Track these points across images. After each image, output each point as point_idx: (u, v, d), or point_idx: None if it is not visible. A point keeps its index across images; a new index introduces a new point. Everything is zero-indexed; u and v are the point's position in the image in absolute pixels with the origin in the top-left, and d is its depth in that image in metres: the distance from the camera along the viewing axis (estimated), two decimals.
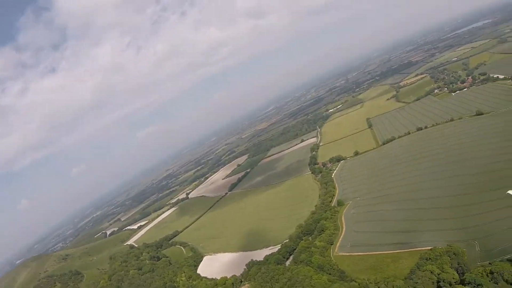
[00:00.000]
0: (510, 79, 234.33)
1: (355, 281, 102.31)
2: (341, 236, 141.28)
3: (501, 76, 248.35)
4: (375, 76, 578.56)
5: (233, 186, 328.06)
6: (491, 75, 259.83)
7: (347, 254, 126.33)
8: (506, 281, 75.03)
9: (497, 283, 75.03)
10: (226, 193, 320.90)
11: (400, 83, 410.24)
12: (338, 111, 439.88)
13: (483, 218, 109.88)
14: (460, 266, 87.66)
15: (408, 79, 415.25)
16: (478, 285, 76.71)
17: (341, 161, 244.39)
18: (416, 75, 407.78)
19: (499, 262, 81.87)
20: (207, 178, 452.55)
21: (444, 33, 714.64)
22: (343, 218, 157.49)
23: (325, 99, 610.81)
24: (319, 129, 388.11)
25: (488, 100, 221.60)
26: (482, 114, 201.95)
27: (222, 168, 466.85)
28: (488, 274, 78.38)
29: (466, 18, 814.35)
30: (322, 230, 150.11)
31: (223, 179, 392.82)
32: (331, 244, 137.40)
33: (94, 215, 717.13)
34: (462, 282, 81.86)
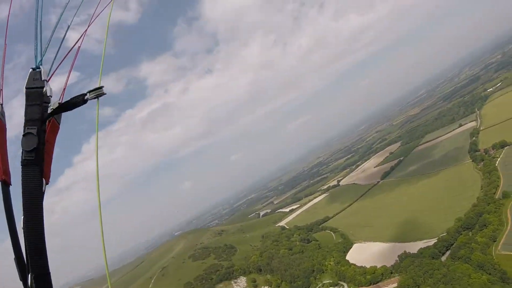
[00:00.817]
0: None
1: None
2: (506, 233, 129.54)
3: None
4: None
5: (385, 175, 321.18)
6: None
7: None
8: None
9: None
10: (378, 182, 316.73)
11: None
12: (498, 90, 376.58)
13: None
14: None
15: None
16: None
17: (506, 147, 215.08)
18: None
19: None
20: (358, 166, 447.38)
21: None
22: (508, 212, 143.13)
23: (482, 77, 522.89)
24: (478, 112, 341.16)
25: None
26: None
27: (373, 156, 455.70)
28: None
29: None
30: (484, 225, 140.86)
31: (374, 167, 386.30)
32: (494, 241, 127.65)
33: (249, 197, 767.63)
34: None
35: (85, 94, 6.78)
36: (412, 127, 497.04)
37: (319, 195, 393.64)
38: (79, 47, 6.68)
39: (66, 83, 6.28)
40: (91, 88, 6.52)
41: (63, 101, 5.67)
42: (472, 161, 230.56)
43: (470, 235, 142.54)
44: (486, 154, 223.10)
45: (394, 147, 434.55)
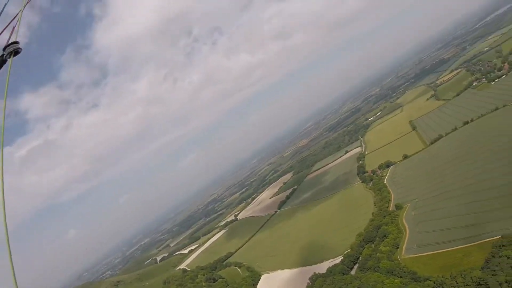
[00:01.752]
0: None
1: (430, 280, 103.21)
2: (406, 239, 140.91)
3: None
4: (410, 79, 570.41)
5: (282, 204, 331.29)
6: None
7: (415, 255, 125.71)
8: None
9: None
10: (276, 211, 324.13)
11: (437, 82, 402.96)
12: (378, 118, 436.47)
13: None
14: None
15: (443, 76, 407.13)
16: None
17: (391, 166, 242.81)
18: (451, 71, 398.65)
19: None
20: (254, 198, 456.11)
21: (471, 25, 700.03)
22: (404, 221, 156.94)
23: (363, 108, 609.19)
24: (362, 139, 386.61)
25: None
26: None
27: (268, 188, 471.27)
28: None
29: (486, 8, 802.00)
30: (385, 236, 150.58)
31: (270, 198, 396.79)
32: (397, 248, 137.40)
33: (142, 243, 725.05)
34: None
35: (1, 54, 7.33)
36: (302, 157, 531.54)
37: (218, 232, 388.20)
38: None
39: None
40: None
41: None
42: (362, 182, 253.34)
43: (373, 246, 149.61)
44: (374, 174, 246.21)
45: (287, 177, 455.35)
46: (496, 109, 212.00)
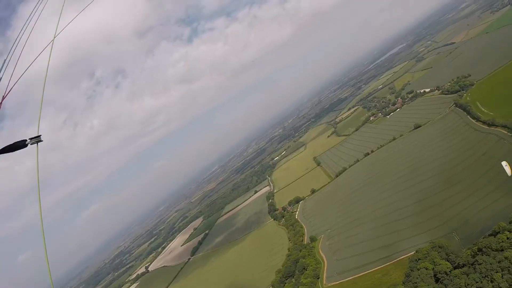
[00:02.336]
0: (436, 89, 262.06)
1: None
2: (325, 268, 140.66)
3: (427, 90, 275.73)
4: (311, 119, 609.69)
5: (195, 250, 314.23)
6: (418, 91, 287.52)
7: (337, 282, 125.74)
8: (496, 250, 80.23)
9: (488, 255, 79.32)
10: (189, 259, 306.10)
11: (336, 120, 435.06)
12: (283, 157, 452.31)
13: (453, 211, 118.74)
14: (449, 256, 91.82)
15: (342, 114, 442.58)
16: (472, 264, 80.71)
17: (301, 202, 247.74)
18: (349, 109, 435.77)
19: (483, 239, 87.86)
20: (164, 247, 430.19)
21: (365, 66, 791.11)
22: (320, 251, 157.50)
23: (268, 149, 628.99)
24: (269, 178, 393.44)
25: (422, 113, 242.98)
26: (420, 126, 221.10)
27: (178, 235, 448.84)
28: (477, 253, 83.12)
29: (381, 48, 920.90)
30: (304, 268, 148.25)
31: (181, 245, 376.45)
32: (318, 278, 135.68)
33: None
34: (455, 268, 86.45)
35: (25, 140, 10.55)
36: (211, 200, 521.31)
37: (129, 286, 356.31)
38: None
39: None
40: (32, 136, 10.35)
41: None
42: (274, 219, 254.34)
43: (294, 281, 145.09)
44: (284, 211, 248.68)
45: (197, 222, 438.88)
46: (394, 139, 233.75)
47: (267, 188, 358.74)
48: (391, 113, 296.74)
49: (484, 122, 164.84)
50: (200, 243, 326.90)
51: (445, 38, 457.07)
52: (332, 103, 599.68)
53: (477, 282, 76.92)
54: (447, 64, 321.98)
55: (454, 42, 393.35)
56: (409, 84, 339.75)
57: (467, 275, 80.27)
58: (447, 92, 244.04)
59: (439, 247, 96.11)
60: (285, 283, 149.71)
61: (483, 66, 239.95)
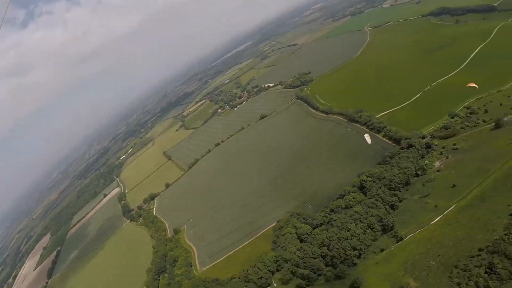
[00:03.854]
0: (279, 84, 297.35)
1: (234, 278, 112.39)
2: (196, 255, 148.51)
3: (271, 85, 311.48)
4: (157, 113, 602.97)
5: (50, 272, 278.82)
6: (263, 86, 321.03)
7: (211, 265, 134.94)
8: (346, 208, 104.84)
9: (340, 213, 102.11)
10: (47, 282, 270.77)
11: (183, 113, 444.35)
12: (131, 155, 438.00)
13: (304, 185, 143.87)
14: (307, 220, 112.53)
15: (189, 108, 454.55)
16: (328, 221, 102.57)
17: (156, 198, 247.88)
18: (196, 103, 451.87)
19: (333, 202, 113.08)
20: (15, 276, 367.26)
21: (212, 61, 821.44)
22: (187, 240, 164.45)
23: (112, 148, 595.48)
24: (118, 178, 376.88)
25: (267, 105, 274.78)
26: (266, 116, 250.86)
27: (27, 259, 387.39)
28: (330, 213, 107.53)
29: (228, 45, 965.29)
30: (175, 260, 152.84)
31: (34, 269, 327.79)
32: (191, 266, 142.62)
33: None
34: (315, 228, 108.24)
35: None
36: (56, 213, 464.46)
37: None
38: None
39: None
40: None
41: None
42: (131, 220, 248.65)
43: (167, 275, 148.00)
44: (141, 209, 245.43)
45: (45, 241, 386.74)
46: (242, 129, 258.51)
47: (117, 189, 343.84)
48: (238, 106, 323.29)
49: (323, 111, 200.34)
50: (54, 262, 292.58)
51: (289, 39, 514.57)
52: (178, 97, 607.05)
53: (336, 234, 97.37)
54: (290, 63, 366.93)
55: (297, 44, 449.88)
56: (255, 79, 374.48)
57: (327, 231, 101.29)
58: (289, 87, 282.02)
59: (297, 214, 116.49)
60: (159, 279, 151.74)
61: (322, 65, 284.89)
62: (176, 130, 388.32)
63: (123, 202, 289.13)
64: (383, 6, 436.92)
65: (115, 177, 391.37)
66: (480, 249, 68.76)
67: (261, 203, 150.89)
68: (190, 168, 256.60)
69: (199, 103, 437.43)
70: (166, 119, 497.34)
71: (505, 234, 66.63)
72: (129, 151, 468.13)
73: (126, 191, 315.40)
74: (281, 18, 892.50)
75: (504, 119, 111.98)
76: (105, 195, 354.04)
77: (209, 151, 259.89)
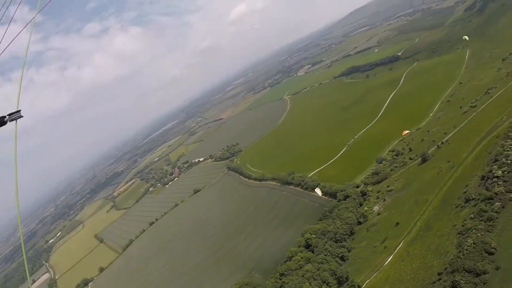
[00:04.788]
0: (209, 158, 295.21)
1: None
2: None
3: (201, 159, 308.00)
4: (86, 195, 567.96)
5: None
6: (193, 161, 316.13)
7: None
8: (296, 269, 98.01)
9: (292, 275, 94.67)
10: None
11: (114, 194, 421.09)
12: (60, 239, 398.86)
13: (247, 254, 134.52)
14: None
15: (120, 188, 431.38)
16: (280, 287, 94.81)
17: (90, 283, 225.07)
18: (127, 182, 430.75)
19: (281, 266, 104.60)
20: None
21: (139, 141, 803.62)
22: None
23: (40, 231, 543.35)
24: (47, 263, 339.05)
25: (199, 179, 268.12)
26: (199, 190, 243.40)
27: None
28: (280, 277, 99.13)
29: (154, 124, 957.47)
30: None
31: None
32: None
33: None
34: None
35: (4, 117, 9.17)
36: None
37: None
38: None
39: None
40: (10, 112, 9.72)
41: None
42: None
43: None
44: None
45: None
46: (176, 205, 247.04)
47: (47, 275, 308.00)
48: (170, 183, 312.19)
49: (255, 179, 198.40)
50: None
51: (214, 114, 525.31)
52: (108, 178, 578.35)
53: None
54: (217, 136, 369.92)
55: (222, 118, 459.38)
56: (184, 155, 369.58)
57: None
58: (219, 159, 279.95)
59: (246, 284, 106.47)
60: None
61: (248, 136, 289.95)
62: (107, 211, 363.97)
63: None
64: (298, 74, 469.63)
65: (44, 262, 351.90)
66: (439, 273, 66.62)
67: (204, 278, 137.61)
68: (124, 249, 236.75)
69: (130, 183, 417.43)
70: (96, 200, 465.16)
71: (459, 252, 65.69)
72: (58, 234, 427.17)
73: (57, 277, 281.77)
74: (205, 96, 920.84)
75: (429, 152, 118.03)
76: (34, 281, 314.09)
77: (144, 230, 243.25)
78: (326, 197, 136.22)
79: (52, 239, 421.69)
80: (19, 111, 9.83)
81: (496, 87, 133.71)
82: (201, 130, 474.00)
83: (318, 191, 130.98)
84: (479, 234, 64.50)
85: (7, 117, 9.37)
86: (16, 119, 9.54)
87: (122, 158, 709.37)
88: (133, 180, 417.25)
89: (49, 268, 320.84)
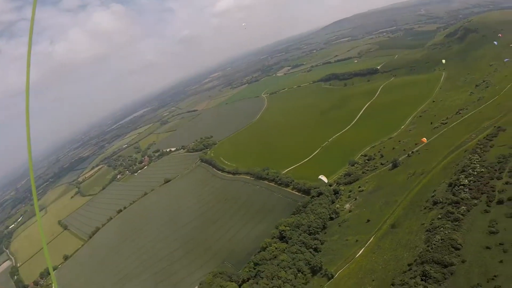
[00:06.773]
0: (181, 148, 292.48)
1: None
2: None
3: (173, 149, 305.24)
4: (49, 179, 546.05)
5: None
6: (164, 150, 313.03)
7: None
8: (271, 259, 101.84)
9: (267, 264, 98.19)
10: None
11: (79, 179, 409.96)
12: (21, 224, 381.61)
13: (219, 245, 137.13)
14: (232, 278, 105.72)
15: (85, 173, 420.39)
16: (255, 275, 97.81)
17: (54, 271, 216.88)
18: (93, 168, 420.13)
19: (255, 256, 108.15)
20: None
21: (108, 126, 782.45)
22: None
23: None
24: (7, 250, 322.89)
25: (170, 169, 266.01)
26: (170, 180, 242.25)
27: None
28: (255, 267, 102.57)
29: (125, 109, 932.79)
30: None
31: None
32: None
33: None
34: (243, 283, 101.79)
35: None
36: None
37: None
38: None
39: None
40: None
41: None
42: None
43: None
44: (37, 286, 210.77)
45: None
46: (146, 194, 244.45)
47: (8, 262, 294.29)
48: (139, 171, 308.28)
49: (229, 172, 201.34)
50: None
51: (188, 105, 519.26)
52: (72, 162, 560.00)
53: (268, 284, 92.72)
54: (191, 127, 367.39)
55: (197, 110, 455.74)
56: (155, 144, 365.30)
57: (257, 283, 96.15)
58: (192, 150, 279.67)
59: (220, 273, 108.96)
60: None
61: (223, 129, 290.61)
62: (72, 197, 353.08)
63: (15, 277, 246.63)
64: (277, 74, 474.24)
65: (4, 248, 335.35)
66: (409, 264, 72.87)
67: (175, 269, 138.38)
68: (90, 237, 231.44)
69: (96, 169, 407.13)
70: (59, 185, 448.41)
71: (427, 246, 72.17)
72: (19, 219, 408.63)
73: (19, 265, 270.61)
74: (180, 85, 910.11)
75: (399, 159, 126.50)
76: None
77: (111, 218, 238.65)
78: (299, 194, 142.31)
79: (13, 225, 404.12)
80: None
81: (467, 109, 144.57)
82: (174, 120, 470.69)
83: (323, 178, 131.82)
84: (446, 232, 71.37)
85: None
86: None
87: (88, 143, 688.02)
88: (100, 166, 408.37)
89: (10, 255, 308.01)
